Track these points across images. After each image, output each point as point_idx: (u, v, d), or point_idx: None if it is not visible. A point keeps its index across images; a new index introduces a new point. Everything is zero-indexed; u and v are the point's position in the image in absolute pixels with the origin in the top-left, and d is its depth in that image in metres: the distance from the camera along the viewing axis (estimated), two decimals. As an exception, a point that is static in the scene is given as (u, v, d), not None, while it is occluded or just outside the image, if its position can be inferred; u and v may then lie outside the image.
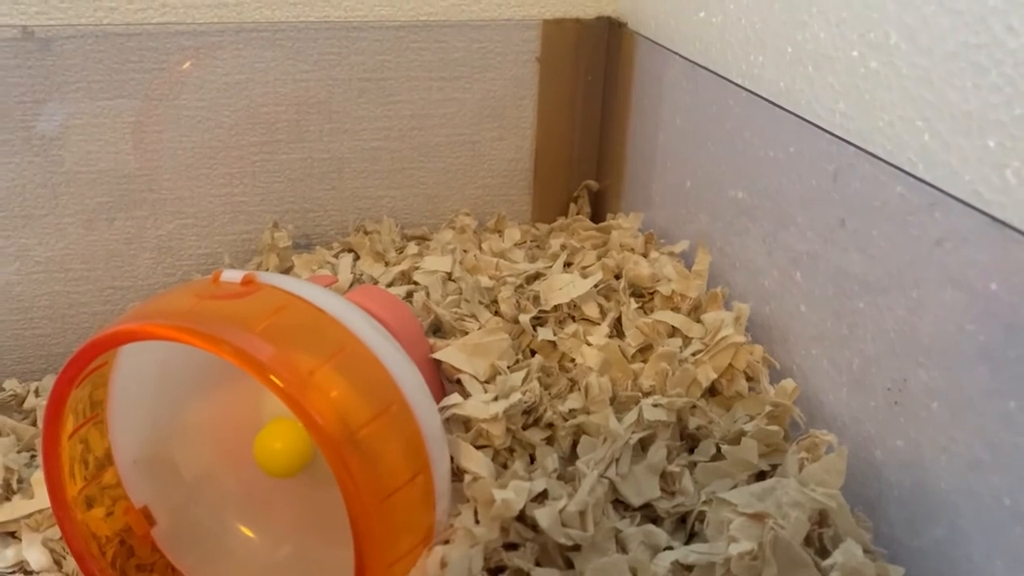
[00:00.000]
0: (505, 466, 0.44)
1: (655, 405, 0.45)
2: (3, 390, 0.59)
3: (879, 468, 0.41)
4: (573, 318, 0.54)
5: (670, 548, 0.39)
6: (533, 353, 0.52)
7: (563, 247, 0.62)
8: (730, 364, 0.48)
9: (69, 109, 0.58)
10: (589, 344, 0.51)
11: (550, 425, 0.46)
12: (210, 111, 0.61)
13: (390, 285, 0.59)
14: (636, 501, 0.42)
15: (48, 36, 0.56)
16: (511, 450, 0.45)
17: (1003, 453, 0.34)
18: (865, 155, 0.41)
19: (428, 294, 0.56)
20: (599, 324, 0.53)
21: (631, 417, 0.44)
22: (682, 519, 0.42)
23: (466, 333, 0.51)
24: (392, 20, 0.62)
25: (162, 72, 0.59)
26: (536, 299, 0.54)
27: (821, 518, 0.38)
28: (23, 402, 0.58)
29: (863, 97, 0.41)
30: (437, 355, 0.48)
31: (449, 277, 0.58)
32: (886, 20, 0.40)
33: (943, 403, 0.37)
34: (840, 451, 0.39)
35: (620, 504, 0.42)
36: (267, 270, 0.62)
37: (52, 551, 0.44)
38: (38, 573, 0.43)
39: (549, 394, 0.48)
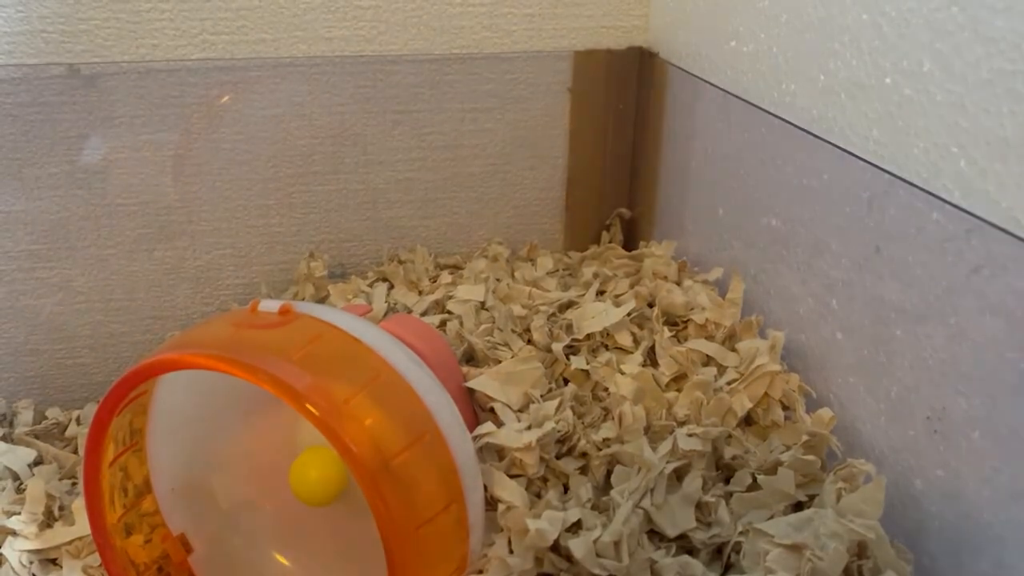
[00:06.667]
0: (539, 495, 0.44)
1: (690, 434, 0.45)
2: (46, 418, 0.60)
3: (919, 499, 0.40)
4: (606, 347, 0.54)
5: (706, 579, 0.39)
6: (566, 382, 0.52)
7: (596, 275, 0.62)
8: (766, 393, 0.47)
9: (112, 143, 0.59)
10: (622, 373, 0.51)
11: (584, 454, 0.46)
12: (248, 144, 0.62)
13: (424, 314, 0.59)
14: (671, 532, 0.41)
15: (93, 73, 0.57)
16: (545, 479, 0.45)
17: (1047, 484, 0.34)
18: (900, 182, 0.41)
19: (461, 323, 0.56)
20: (632, 353, 0.53)
21: (666, 447, 0.44)
22: (718, 550, 0.42)
23: (499, 362, 0.51)
24: (426, 54, 0.63)
25: (201, 106, 0.60)
26: (569, 327, 0.54)
27: (860, 549, 0.37)
28: (65, 430, 0.58)
29: (897, 124, 0.41)
30: (470, 383, 0.48)
31: (482, 306, 0.59)
32: (919, 48, 0.40)
33: (984, 432, 0.37)
34: (878, 481, 0.39)
35: (655, 535, 0.42)
36: (303, 299, 0.63)
37: (91, 578, 0.44)
38: (78, 600, 0.44)
39: (582, 423, 0.48)
